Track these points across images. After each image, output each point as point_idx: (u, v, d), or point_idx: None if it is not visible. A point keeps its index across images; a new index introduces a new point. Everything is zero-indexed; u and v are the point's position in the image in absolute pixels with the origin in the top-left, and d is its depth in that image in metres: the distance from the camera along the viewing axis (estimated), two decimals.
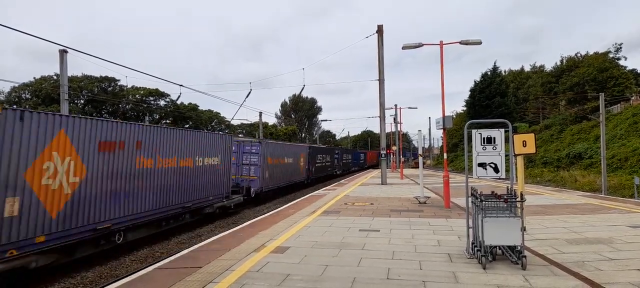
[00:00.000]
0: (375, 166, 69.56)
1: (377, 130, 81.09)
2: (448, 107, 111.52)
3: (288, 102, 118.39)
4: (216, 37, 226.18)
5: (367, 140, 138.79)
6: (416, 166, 57.34)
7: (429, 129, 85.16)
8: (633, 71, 56.12)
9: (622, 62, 54.79)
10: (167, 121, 68.00)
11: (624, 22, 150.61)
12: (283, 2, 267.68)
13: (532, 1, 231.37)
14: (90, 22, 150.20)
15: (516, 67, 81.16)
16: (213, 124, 78.24)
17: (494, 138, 6.48)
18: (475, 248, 6.22)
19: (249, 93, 29.73)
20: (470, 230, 6.55)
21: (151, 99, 66.94)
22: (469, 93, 63.72)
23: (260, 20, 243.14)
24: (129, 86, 61.86)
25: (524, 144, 7.89)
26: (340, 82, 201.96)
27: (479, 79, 62.42)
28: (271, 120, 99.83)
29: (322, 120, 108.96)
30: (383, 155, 24.95)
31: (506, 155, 6.59)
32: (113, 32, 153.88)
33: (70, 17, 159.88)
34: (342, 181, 30.53)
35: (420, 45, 15.94)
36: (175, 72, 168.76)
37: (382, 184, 23.27)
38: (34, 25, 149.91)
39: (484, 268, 5.77)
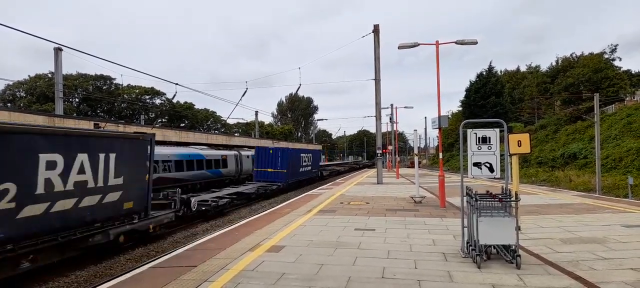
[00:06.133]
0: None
1: (373, 129, 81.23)
2: (447, 107, 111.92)
3: (284, 101, 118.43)
4: (217, 36, 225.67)
5: (363, 139, 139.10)
6: (412, 166, 57.49)
7: (425, 129, 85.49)
8: (627, 72, 56.52)
9: (617, 63, 55.20)
10: (163, 120, 67.79)
11: (625, 22, 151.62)
12: (287, 1, 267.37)
13: (537, 1, 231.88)
14: (90, 20, 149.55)
15: (516, 68, 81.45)
16: (209, 122, 77.95)
17: (489, 138, 6.49)
18: (470, 248, 6.24)
19: (245, 92, 29.84)
20: (465, 229, 6.56)
21: (147, 97, 66.66)
22: (465, 93, 63.93)
23: (262, 19, 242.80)
24: (125, 85, 61.61)
25: (519, 143, 7.94)
26: (337, 81, 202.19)
27: (474, 79, 62.63)
28: (268, 119, 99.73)
29: (318, 120, 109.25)
30: (379, 155, 25.00)
31: (501, 155, 6.60)
32: (114, 31, 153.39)
33: (70, 16, 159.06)
34: (338, 180, 30.57)
35: (416, 45, 15.94)
36: (175, 72, 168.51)
37: (378, 183, 23.30)
38: (35, 24, 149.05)
39: (479, 268, 5.79)
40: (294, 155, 28.64)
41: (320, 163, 57.63)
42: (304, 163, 31.67)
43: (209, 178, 29.58)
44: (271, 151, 26.59)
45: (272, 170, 26.14)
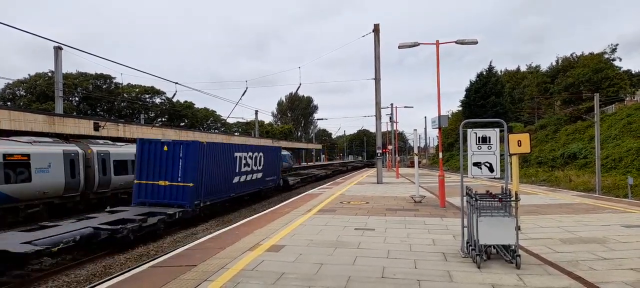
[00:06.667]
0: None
1: (373, 129, 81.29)
2: (447, 107, 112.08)
3: (284, 100, 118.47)
4: (217, 36, 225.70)
5: (363, 139, 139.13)
6: (412, 165, 57.51)
7: (425, 128, 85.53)
8: (628, 72, 56.53)
9: (617, 63, 55.18)
10: (163, 119, 67.79)
11: (625, 22, 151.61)
12: (287, 1, 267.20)
13: (539, 1, 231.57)
14: (90, 19, 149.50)
15: (516, 67, 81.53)
16: (208, 122, 77.96)
17: (489, 137, 6.49)
18: (470, 248, 6.24)
19: (245, 91, 29.80)
20: (465, 229, 6.56)
21: (147, 96, 66.65)
22: (465, 92, 63.89)
23: (262, 19, 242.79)
24: (125, 84, 61.58)
25: (519, 143, 7.94)
26: (337, 81, 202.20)
27: (474, 79, 62.60)
28: (268, 118, 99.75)
29: (318, 119, 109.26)
30: (379, 154, 25.01)
31: (501, 155, 6.60)
32: (114, 31, 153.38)
33: (70, 15, 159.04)
34: (337, 179, 30.55)
35: (416, 45, 15.94)
36: (175, 71, 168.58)
37: (377, 183, 23.31)
38: (35, 23, 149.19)
39: (479, 267, 5.79)
40: (215, 155, 16.81)
41: (294, 166, 47.35)
42: (245, 169, 19.92)
43: None
44: (166, 148, 15.25)
45: (167, 183, 15.01)
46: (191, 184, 14.94)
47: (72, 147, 18.21)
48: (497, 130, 6.59)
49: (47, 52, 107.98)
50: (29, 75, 57.33)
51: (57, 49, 26.29)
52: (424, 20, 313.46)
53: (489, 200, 6.11)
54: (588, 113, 40.62)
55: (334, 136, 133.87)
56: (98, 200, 19.48)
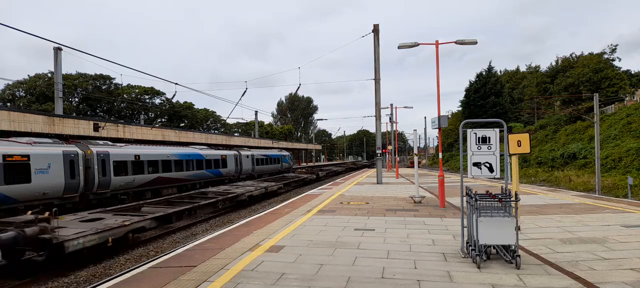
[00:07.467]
0: None
1: (373, 129, 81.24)
2: (447, 107, 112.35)
3: (284, 101, 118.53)
4: (218, 36, 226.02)
5: (363, 139, 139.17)
6: (411, 166, 57.52)
7: (425, 129, 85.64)
8: (627, 72, 56.58)
9: (616, 63, 55.21)
10: (163, 119, 67.77)
11: (624, 22, 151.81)
12: (287, 1, 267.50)
13: (539, 1, 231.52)
14: (90, 19, 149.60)
15: (516, 67, 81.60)
16: (208, 122, 77.96)
17: (489, 138, 6.49)
18: (470, 248, 6.24)
19: (245, 92, 29.77)
20: (465, 229, 6.56)
21: (146, 97, 66.66)
22: (465, 93, 63.95)
23: (263, 19, 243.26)
24: (124, 84, 61.51)
25: (519, 143, 7.94)
26: (337, 81, 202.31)
27: (474, 79, 62.65)
28: (268, 119, 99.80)
29: (318, 119, 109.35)
30: (379, 155, 25.01)
31: (501, 155, 6.60)
32: (115, 30, 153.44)
33: (70, 15, 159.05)
34: (337, 180, 30.56)
35: (415, 45, 15.93)
36: (175, 71, 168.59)
37: (377, 183, 23.30)
38: (35, 23, 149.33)
39: (479, 268, 5.78)
40: None
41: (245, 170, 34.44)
42: None
43: (209, 178, 29.60)
44: None
45: None
46: None
47: (71, 148, 18.21)
48: (497, 130, 6.60)
49: (47, 52, 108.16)
50: (28, 75, 57.32)
51: (57, 50, 26.29)
52: (424, 21, 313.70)
53: (488, 201, 6.10)
54: (588, 113, 40.63)
55: (333, 136, 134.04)
56: (98, 201, 19.47)
